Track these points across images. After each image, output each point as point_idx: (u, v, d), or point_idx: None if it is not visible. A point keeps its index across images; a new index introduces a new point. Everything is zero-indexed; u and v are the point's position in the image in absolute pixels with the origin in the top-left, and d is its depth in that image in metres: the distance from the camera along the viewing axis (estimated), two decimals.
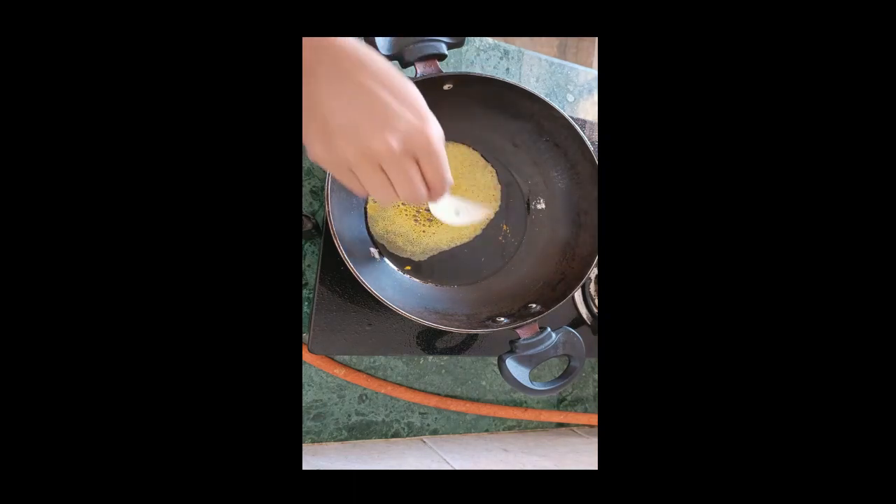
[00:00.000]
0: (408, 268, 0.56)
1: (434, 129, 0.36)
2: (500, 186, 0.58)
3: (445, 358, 0.60)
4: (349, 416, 0.57)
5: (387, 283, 0.53)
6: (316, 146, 0.36)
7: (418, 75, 0.47)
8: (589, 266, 0.53)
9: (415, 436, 0.60)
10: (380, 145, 0.34)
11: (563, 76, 0.64)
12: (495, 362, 0.57)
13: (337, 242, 0.46)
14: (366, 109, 0.34)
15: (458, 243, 0.57)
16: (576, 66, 0.65)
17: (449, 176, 0.37)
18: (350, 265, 0.46)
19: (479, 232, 0.58)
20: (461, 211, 0.48)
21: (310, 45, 0.33)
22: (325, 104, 0.34)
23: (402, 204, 0.38)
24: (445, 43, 0.48)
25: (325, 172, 0.54)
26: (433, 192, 0.38)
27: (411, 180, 0.36)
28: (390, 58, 0.46)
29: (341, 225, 0.49)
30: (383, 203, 0.37)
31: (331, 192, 0.47)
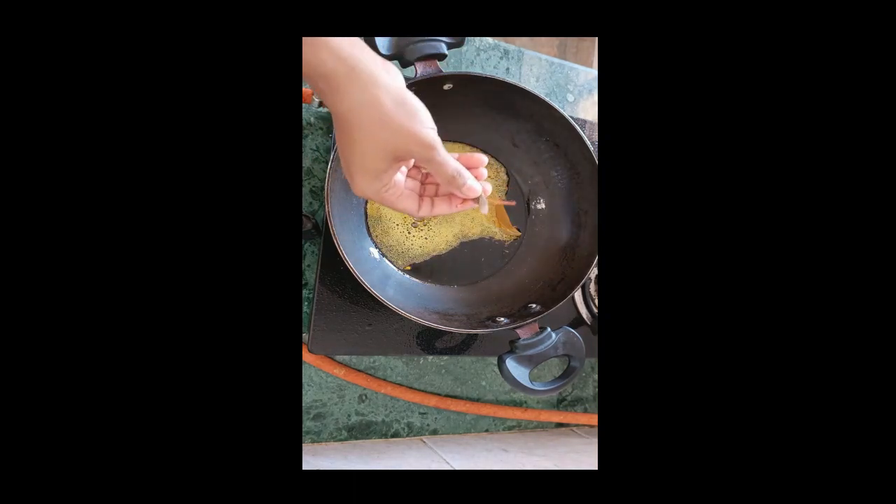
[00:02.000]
0: (408, 268, 0.56)
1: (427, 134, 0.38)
2: (506, 179, 0.59)
3: (445, 358, 0.60)
4: (349, 416, 0.57)
5: (387, 283, 0.53)
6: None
7: (418, 75, 0.47)
8: (589, 266, 0.53)
9: (415, 436, 0.60)
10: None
11: (563, 76, 0.64)
12: (495, 362, 0.57)
13: (337, 242, 0.46)
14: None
15: (447, 249, 0.57)
16: (576, 66, 0.65)
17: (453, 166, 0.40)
18: (350, 265, 0.46)
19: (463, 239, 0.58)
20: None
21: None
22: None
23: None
24: (445, 43, 0.48)
25: (324, 172, 0.54)
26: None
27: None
28: (390, 58, 0.46)
29: (341, 225, 0.49)
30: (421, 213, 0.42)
31: (331, 192, 0.47)
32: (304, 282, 0.54)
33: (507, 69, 0.62)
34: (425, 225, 0.56)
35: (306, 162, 0.54)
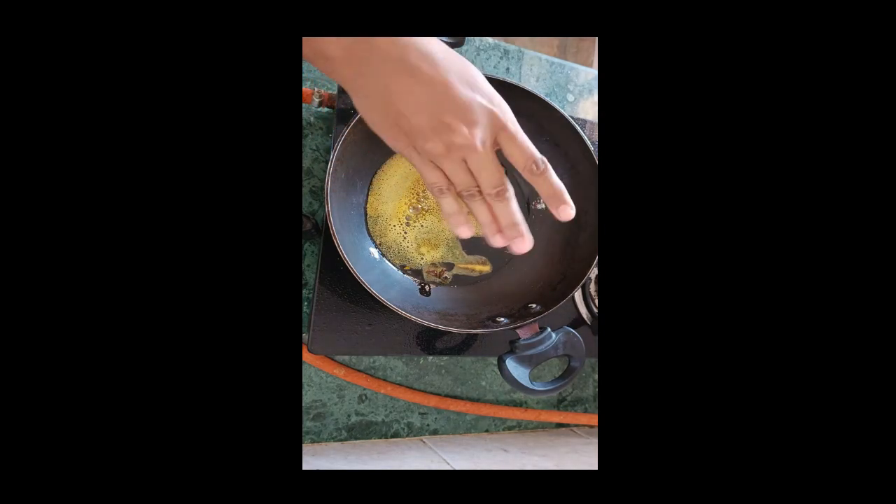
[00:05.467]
0: (407, 268, 0.56)
1: (507, 110, 0.37)
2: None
3: (445, 358, 0.60)
4: (349, 416, 0.57)
5: (387, 283, 0.53)
6: (400, 143, 0.37)
7: None
8: (589, 266, 0.53)
9: (415, 436, 0.60)
10: (464, 139, 0.35)
11: (563, 76, 0.64)
12: (495, 362, 0.57)
13: (337, 242, 0.46)
14: (444, 103, 0.35)
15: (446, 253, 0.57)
16: (576, 66, 0.65)
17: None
18: (350, 265, 0.46)
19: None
20: None
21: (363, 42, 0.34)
22: (400, 101, 0.35)
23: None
24: (445, 43, 0.48)
25: (324, 172, 0.54)
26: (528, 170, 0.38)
27: (492, 170, 0.37)
28: None
29: (341, 225, 0.49)
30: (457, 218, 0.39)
31: (331, 192, 0.47)
32: (304, 282, 0.54)
33: (507, 69, 0.62)
34: (418, 223, 0.56)
35: (306, 162, 0.54)
